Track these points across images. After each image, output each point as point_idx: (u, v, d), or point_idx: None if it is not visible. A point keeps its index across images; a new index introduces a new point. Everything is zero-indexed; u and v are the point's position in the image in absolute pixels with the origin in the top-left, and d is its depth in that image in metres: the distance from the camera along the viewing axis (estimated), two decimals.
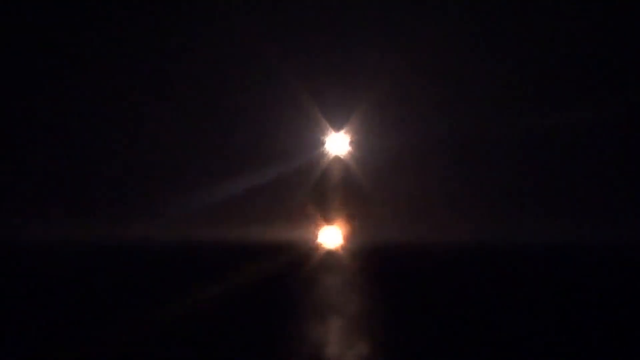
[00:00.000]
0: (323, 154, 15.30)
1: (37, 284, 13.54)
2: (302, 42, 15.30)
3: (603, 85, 15.17)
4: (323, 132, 15.25)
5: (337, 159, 15.36)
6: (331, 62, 15.24)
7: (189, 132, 15.64)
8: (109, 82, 15.36)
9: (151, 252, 15.21)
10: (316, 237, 15.38)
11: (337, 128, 15.31)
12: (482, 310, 11.93)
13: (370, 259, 15.08)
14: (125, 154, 15.67)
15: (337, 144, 15.36)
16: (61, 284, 13.51)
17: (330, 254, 15.20)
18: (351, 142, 15.35)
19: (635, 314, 11.71)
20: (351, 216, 15.34)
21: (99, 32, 15.36)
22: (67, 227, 15.21)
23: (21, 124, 15.49)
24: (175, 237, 15.13)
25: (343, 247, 15.37)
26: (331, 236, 15.43)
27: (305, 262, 14.74)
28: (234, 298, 12.43)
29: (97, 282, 13.73)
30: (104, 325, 10.83)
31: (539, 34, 15.21)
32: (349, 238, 15.39)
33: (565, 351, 9.86)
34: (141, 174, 15.63)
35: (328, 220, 15.39)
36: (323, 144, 15.34)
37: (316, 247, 15.22)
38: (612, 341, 10.24)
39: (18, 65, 15.30)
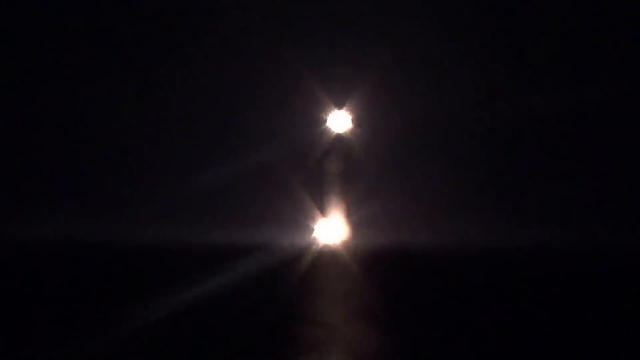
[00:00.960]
0: (323, 134, 14.86)
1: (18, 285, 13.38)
2: (301, 13, 14.84)
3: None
4: (323, 109, 14.83)
5: (338, 138, 14.92)
6: (332, 32, 14.83)
7: (172, 113, 15.08)
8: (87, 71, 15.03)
9: (132, 251, 14.83)
10: (313, 231, 14.80)
11: (339, 105, 14.89)
12: (485, 312, 11.92)
13: (374, 259, 14.46)
14: (103, 147, 15.17)
15: (339, 122, 14.95)
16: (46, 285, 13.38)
17: (328, 251, 14.71)
18: (354, 120, 14.93)
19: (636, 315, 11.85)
20: (354, 207, 14.75)
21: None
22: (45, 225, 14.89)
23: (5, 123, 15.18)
24: (157, 235, 14.76)
25: (344, 244, 14.77)
26: (330, 230, 14.82)
27: (300, 261, 14.24)
28: (222, 302, 12.23)
29: (76, 283, 13.52)
30: (87, 328, 10.74)
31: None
32: (351, 233, 14.77)
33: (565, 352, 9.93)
34: (120, 167, 15.17)
35: (327, 211, 14.80)
36: (323, 122, 14.90)
37: (313, 244, 14.71)
38: (613, 343, 10.30)
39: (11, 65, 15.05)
